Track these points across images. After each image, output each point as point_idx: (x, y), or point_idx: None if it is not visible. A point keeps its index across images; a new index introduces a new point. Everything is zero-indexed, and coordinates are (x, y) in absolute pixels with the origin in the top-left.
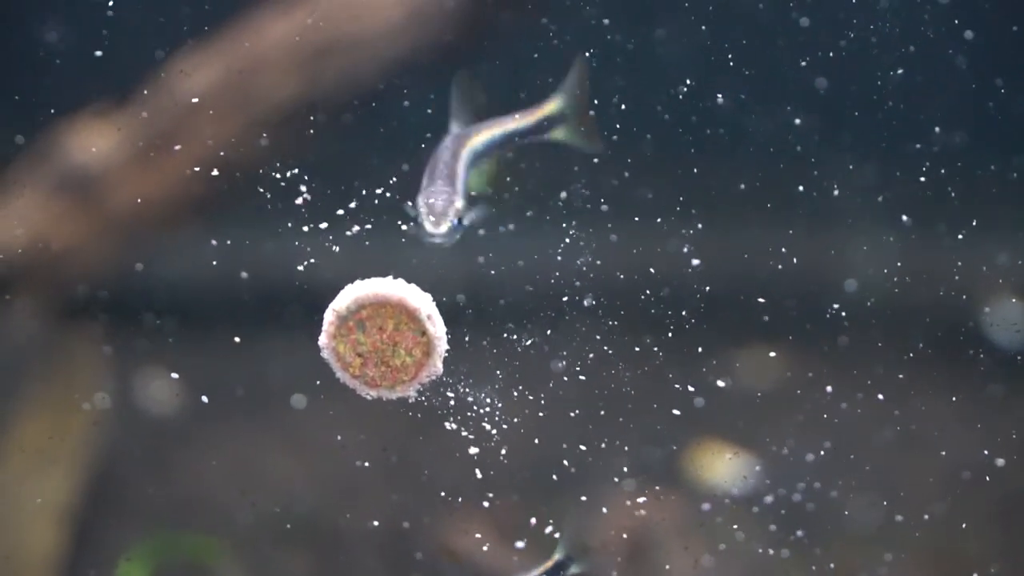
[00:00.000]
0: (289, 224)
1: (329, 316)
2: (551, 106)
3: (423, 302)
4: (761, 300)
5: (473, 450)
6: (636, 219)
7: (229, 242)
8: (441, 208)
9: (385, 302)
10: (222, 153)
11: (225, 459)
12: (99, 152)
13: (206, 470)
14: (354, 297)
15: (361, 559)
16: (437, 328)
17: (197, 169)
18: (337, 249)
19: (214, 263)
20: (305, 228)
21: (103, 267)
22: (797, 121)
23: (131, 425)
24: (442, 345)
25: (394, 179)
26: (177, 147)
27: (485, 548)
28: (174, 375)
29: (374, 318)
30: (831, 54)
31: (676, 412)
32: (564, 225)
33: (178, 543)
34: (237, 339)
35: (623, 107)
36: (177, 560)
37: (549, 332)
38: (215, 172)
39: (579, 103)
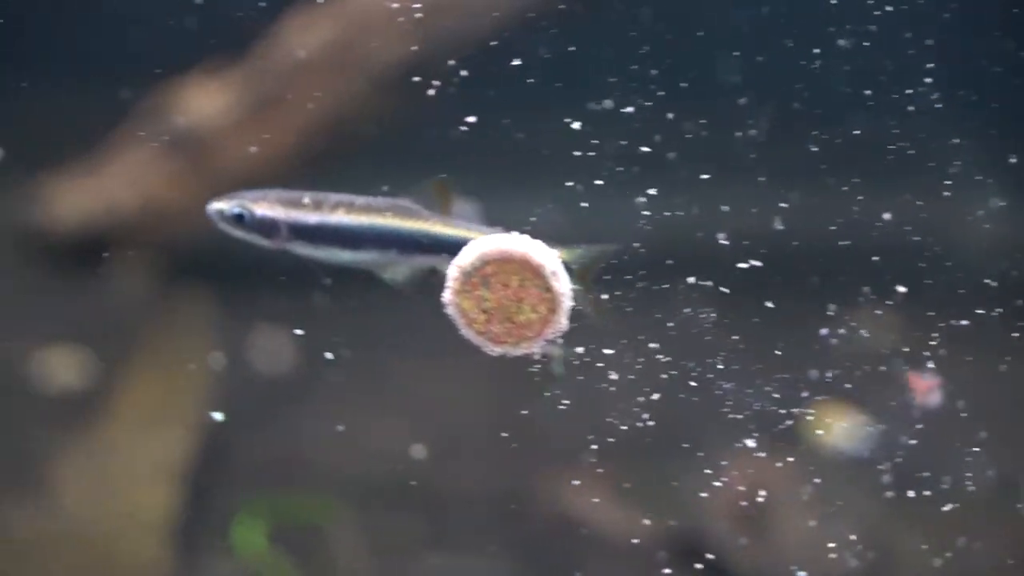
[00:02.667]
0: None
1: (453, 272)
2: (561, 252)
3: (548, 258)
4: (876, 259)
5: (589, 409)
6: (747, 181)
7: None
8: (232, 196)
9: (510, 258)
10: (332, 112)
11: (338, 420)
12: (209, 110)
13: (319, 431)
14: (479, 253)
15: (472, 518)
16: (562, 284)
17: (307, 128)
18: None
19: None
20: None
21: (214, 226)
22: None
23: (242, 385)
24: (567, 301)
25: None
26: (287, 106)
27: (600, 510)
28: (289, 333)
29: (499, 274)
30: None
31: (794, 374)
32: (682, 188)
33: (292, 504)
34: (351, 296)
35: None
36: (291, 521)
37: (669, 293)
38: (325, 131)
39: (588, 269)
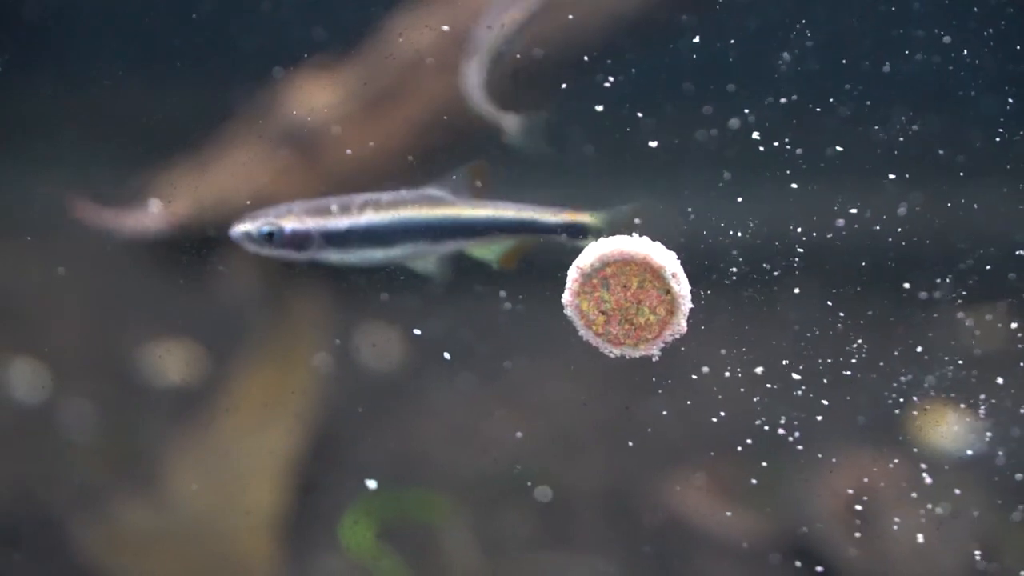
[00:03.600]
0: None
1: (573, 274)
2: (588, 217)
3: (668, 260)
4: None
5: (696, 407)
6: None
7: None
8: (254, 216)
9: (630, 260)
10: (443, 108)
11: (449, 417)
12: (320, 106)
13: (429, 427)
14: (599, 255)
15: (584, 518)
16: (682, 286)
17: (418, 124)
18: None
19: None
20: (533, 186)
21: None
22: None
23: (353, 381)
24: (686, 304)
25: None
26: (398, 101)
27: (710, 510)
28: (403, 329)
29: (618, 276)
30: None
31: (903, 373)
32: (790, 183)
33: (402, 501)
34: (462, 294)
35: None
36: (401, 517)
37: (782, 293)
38: (436, 127)
39: (618, 229)
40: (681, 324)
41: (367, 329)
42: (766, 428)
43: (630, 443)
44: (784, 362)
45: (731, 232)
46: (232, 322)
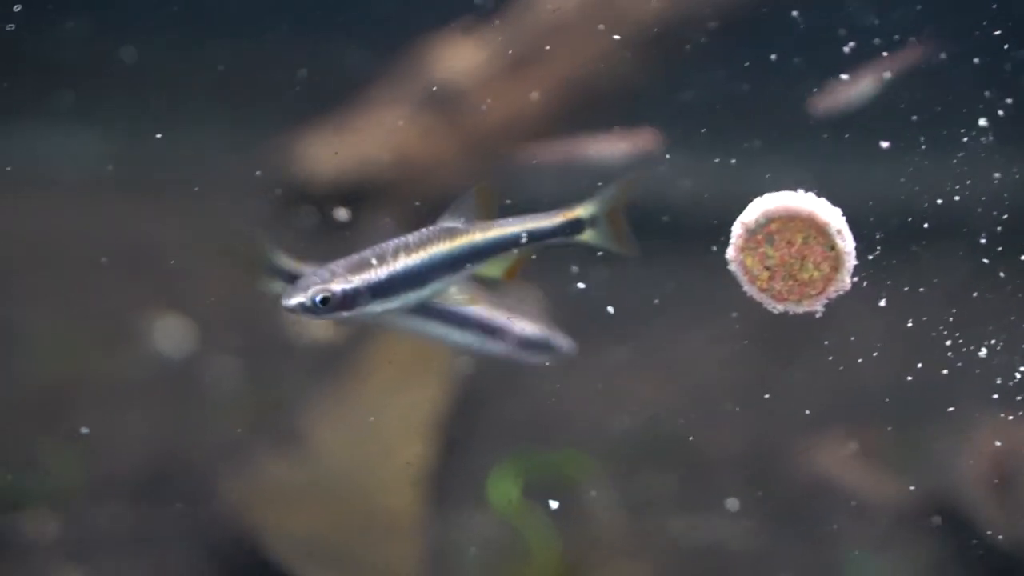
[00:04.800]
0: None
1: (737, 229)
2: (580, 210)
3: (833, 216)
4: None
5: (839, 369)
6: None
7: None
8: (304, 285)
9: (795, 216)
10: (586, 71)
11: (594, 376)
12: (464, 68)
13: (575, 387)
14: (763, 210)
15: (725, 480)
16: (847, 243)
17: (560, 86)
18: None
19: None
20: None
21: (464, 182)
22: None
23: None
24: (851, 260)
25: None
26: (541, 64)
27: (850, 469)
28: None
29: (783, 232)
30: None
31: None
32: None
33: (546, 459)
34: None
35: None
36: (545, 476)
37: (924, 256)
38: (578, 90)
39: (614, 210)
40: (845, 281)
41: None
42: (911, 389)
43: (774, 404)
44: (932, 323)
45: (883, 190)
46: None
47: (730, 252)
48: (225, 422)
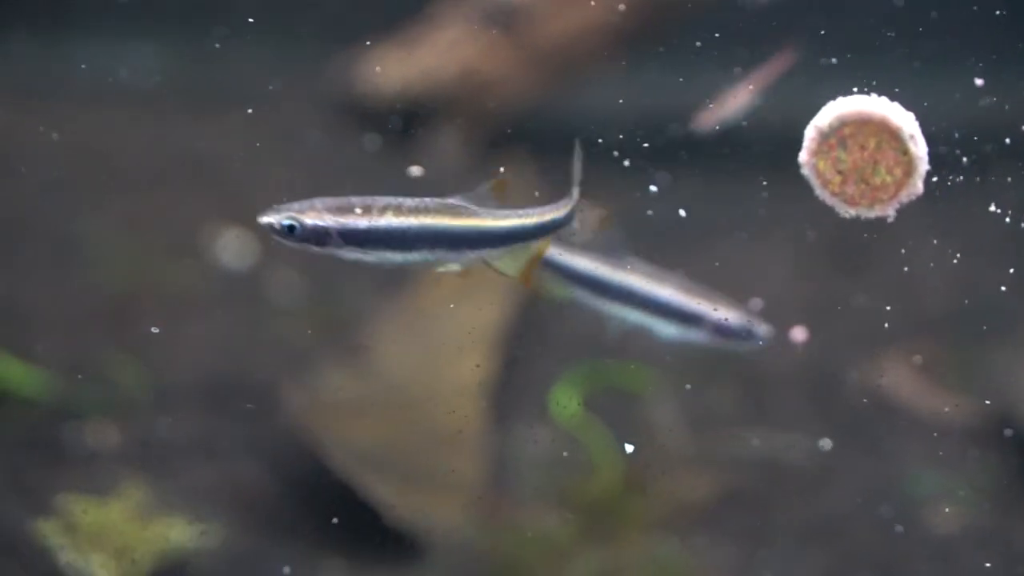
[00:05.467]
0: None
1: (811, 133)
2: (574, 198)
3: (907, 121)
4: None
5: (905, 285)
6: None
7: (652, 75)
8: (281, 208)
9: (868, 120)
10: None
11: None
12: None
13: None
14: (837, 114)
15: (788, 397)
16: (919, 148)
17: (624, 5)
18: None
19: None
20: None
21: (529, 97)
22: None
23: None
24: (923, 166)
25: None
26: None
27: (914, 386)
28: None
29: (856, 136)
30: None
31: None
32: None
33: (607, 371)
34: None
35: None
36: (606, 387)
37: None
38: (645, 8)
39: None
40: (918, 185)
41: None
42: (973, 308)
43: (839, 320)
44: (990, 249)
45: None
46: (438, 195)
47: (803, 156)
48: (288, 334)
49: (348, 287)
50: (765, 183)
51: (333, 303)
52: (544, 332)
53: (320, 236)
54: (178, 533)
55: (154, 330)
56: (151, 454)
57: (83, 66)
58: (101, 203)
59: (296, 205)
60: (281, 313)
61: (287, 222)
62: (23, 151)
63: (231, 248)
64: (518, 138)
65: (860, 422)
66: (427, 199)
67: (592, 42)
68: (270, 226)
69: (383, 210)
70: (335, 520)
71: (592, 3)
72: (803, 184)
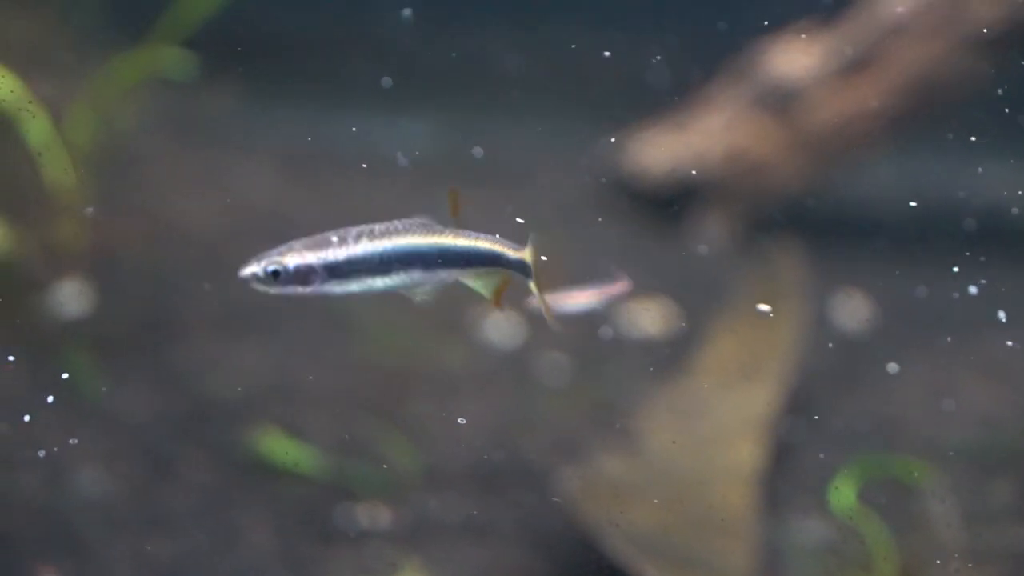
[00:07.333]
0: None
1: None
2: (527, 253)
3: None
4: None
5: None
6: None
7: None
8: (260, 257)
9: None
10: (924, 74)
11: (919, 380)
12: (800, 69)
13: (901, 390)
14: None
15: None
16: None
17: (896, 90)
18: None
19: (904, 183)
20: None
21: (799, 182)
22: None
23: (824, 342)
24: None
25: None
26: (878, 67)
27: None
28: (871, 291)
29: None
30: None
31: None
32: None
33: (884, 463)
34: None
35: None
36: (883, 478)
37: None
38: (916, 94)
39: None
40: None
41: (836, 290)
42: None
43: None
44: None
45: None
46: (706, 279)
47: None
48: (557, 416)
49: (614, 368)
50: None
51: (601, 385)
52: (815, 421)
53: (304, 275)
54: None
55: (460, 420)
56: (422, 535)
57: (349, 135)
58: None
59: (273, 252)
60: (550, 394)
61: (271, 268)
62: (294, 222)
63: (500, 327)
64: (790, 223)
65: None
66: (396, 221)
67: (864, 127)
68: (253, 276)
69: (358, 238)
70: None
71: (865, 89)
72: None
